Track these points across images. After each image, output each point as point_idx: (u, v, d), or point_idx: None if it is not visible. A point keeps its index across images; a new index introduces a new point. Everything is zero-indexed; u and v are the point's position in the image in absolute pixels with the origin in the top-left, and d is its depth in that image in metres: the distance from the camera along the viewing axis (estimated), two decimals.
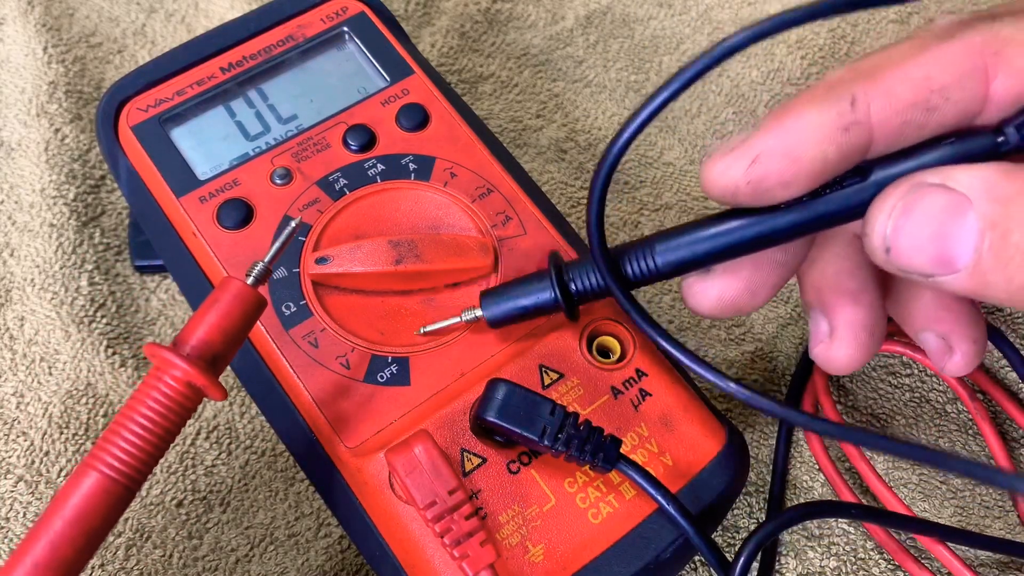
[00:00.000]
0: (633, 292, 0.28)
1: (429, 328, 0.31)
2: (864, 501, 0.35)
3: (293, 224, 0.28)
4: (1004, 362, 0.39)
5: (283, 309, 0.31)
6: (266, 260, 0.27)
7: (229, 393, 0.37)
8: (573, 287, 0.28)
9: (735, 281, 0.26)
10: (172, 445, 0.30)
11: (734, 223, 0.25)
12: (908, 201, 0.22)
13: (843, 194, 0.24)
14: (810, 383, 0.37)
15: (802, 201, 0.24)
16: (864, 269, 0.27)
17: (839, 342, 0.27)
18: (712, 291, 0.27)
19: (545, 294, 0.29)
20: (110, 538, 0.34)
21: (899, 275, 0.23)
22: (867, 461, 0.35)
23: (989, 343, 0.39)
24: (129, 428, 0.25)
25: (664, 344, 0.26)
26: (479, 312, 0.30)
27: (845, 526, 0.35)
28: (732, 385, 0.24)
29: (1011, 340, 0.38)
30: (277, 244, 0.28)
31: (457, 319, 0.30)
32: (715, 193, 0.24)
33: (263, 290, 0.31)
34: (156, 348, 0.25)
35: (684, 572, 0.34)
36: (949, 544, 0.33)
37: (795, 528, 0.35)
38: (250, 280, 0.27)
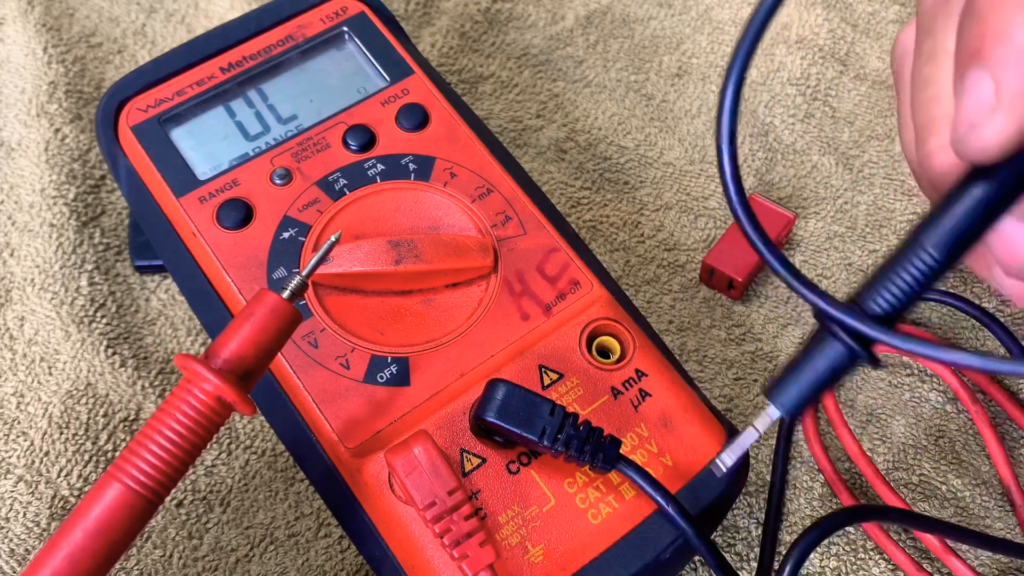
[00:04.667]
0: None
1: (725, 455, 0.26)
2: (864, 502, 0.35)
3: (333, 239, 0.28)
4: None
5: None
6: (304, 274, 0.27)
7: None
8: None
9: None
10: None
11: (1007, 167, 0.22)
12: None
13: None
14: None
15: None
16: None
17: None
18: None
19: (835, 349, 0.24)
20: None
21: None
22: (868, 461, 0.35)
23: (989, 343, 0.39)
24: (155, 441, 0.24)
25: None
26: (774, 413, 0.25)
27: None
28: None
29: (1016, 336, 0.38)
30: (316, 258, 0.27)
31: (756, 434, 0.26)
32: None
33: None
34: (188, 360, 0.25)
35: (684, 572, 0.34)
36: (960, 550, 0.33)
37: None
38: (286, 294, 0.26)
